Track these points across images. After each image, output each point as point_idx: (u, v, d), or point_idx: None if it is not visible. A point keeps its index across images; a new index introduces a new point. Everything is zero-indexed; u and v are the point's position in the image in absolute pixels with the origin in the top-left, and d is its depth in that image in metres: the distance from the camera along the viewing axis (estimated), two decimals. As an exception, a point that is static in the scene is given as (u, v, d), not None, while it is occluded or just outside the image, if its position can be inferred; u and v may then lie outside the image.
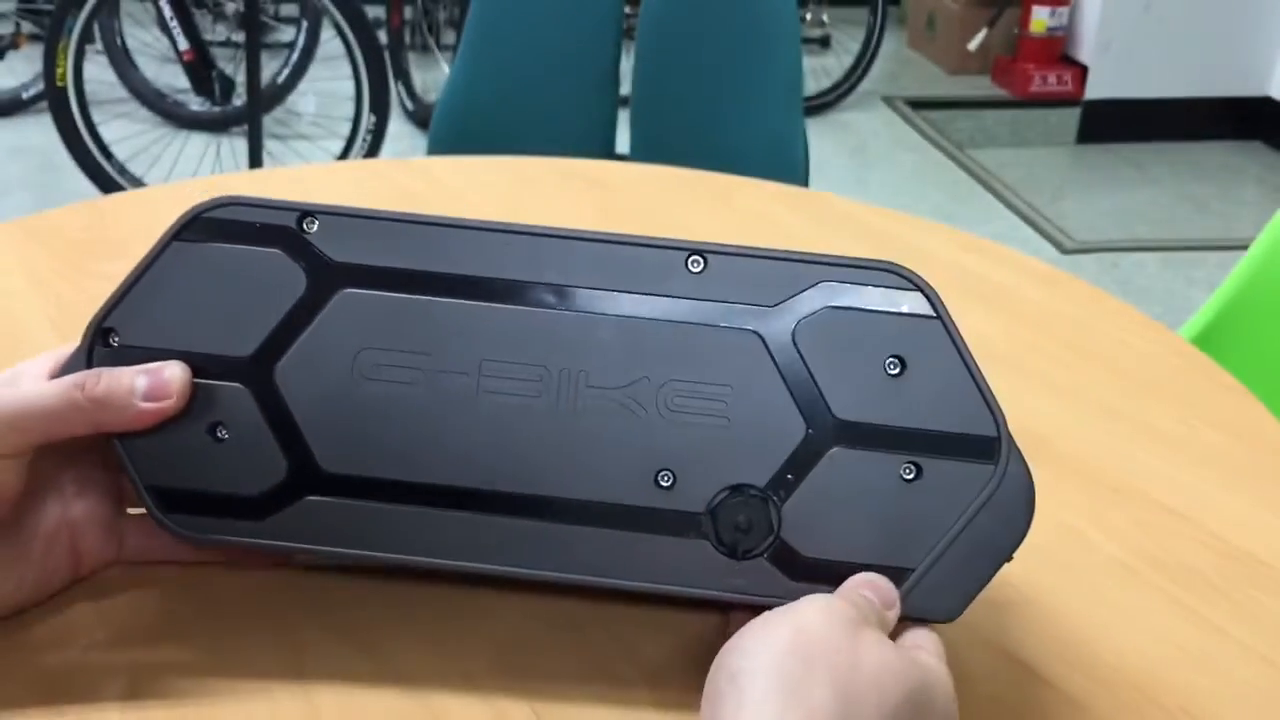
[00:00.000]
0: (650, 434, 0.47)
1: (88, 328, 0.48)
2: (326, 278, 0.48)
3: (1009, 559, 0.47)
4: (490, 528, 0.47)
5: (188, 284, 0.48)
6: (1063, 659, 0.51)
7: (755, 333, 0.47)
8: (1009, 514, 0.46)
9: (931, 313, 0.47)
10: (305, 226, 0.48)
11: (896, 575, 0.46)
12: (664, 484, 0.47)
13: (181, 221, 0.49)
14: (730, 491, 0.47)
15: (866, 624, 0.42)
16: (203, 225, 0.49)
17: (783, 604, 0.43)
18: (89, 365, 0.48)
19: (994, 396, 0.47)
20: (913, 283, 0.48)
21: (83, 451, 0.50)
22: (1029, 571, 0.56)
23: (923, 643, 0.45)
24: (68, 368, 0.48)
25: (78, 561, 0.50)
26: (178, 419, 0.47)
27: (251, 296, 0.48)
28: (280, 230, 0.48)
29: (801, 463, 0.47)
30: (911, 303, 0.48)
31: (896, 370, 0.47)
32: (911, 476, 0.47)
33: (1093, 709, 0.49)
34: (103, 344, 0.48)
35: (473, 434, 0.47)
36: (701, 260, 0.48)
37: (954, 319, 0.48)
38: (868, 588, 0.45)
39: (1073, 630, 0.53)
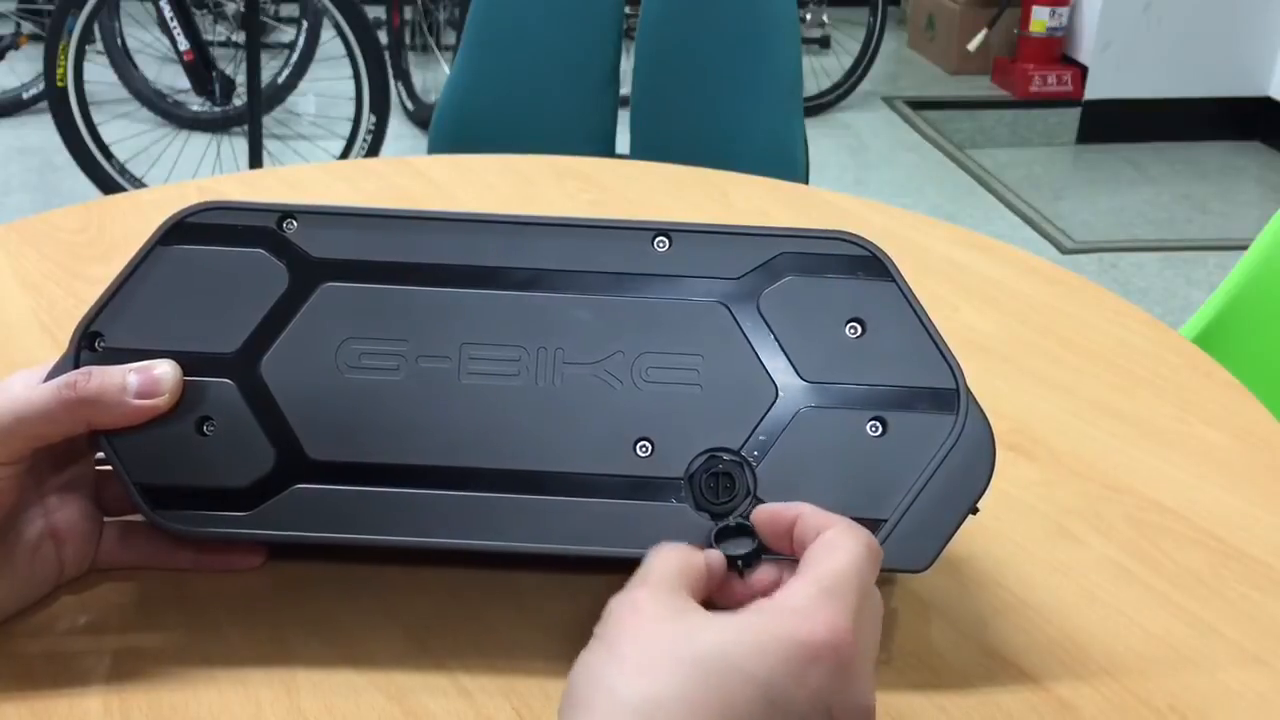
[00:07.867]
0: (627, 405, 0.49)
1: (74, 333, 0.49)
2: (308, 273, 0.49)
3: (974, 510, 0.48)
4: (478, 505, 0.48)
5: (172, 286, 0.49)
6: (1054, 659, 0.51)
7: (722, 304, 0.50)
8: (972, 463, 0.48)
9: (886, 276, 0.50)
10: (285, 226, 0.50)
11: (870, 526, 0.47)
12: (642, 453, 0.48)
13: (164, 227, 0.50)
14: (707, 456, 0.48)
15: (657, 604, 0.40)
16: (186, 230, 0.50)
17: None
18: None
19: (950, 351, 0.49)
20: (867, 249, 0.50)
21: (64, 461, 0.50)
22: (1023, 570, 0.56)
23: (782, 601, 0.40)
24: (55, 373, 0.48)
25: (60, 570, 0.50)
26: (166, 416, 0.48)
27: (235, 295, 0.49)
28: (261, 231, 0.50)
29: (773, 425, 0.49)
30: (867, 268, 0.50)
31: (857, 333, 0.49)
32: (879, 433, 0.48)
33: (1084, 710, 0.49)
34: (89, 348, 0.49)
35: (456, 415, 0.48)
36: (667, 240, 0.50)
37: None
38: (672, 563, 0.42)
39: (1065, 630, 0.53)
